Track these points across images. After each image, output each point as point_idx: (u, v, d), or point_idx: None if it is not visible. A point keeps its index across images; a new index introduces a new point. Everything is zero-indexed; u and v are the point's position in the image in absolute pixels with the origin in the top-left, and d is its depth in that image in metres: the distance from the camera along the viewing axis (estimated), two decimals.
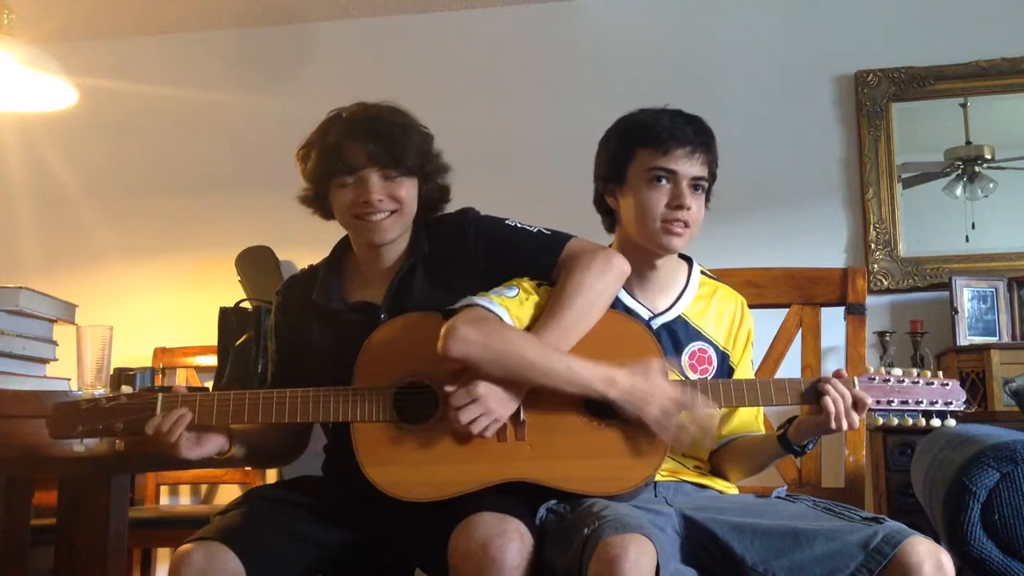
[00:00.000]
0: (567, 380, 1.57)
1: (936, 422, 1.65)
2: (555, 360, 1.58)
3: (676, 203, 1.69)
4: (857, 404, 1.58)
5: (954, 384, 1.65)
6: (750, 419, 1.81)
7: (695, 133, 1.71)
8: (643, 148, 1.71)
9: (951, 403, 1.64)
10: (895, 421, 1.64)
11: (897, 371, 1.65)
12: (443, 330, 1.57)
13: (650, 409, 1.56)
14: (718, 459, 1.79)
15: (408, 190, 1.73)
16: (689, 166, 1.70)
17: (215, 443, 1.64)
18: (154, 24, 3.99)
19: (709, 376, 1.76)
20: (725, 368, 1.80)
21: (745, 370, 1.83)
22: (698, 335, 1.77)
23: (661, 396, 1.57)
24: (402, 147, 1.69)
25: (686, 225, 1.70)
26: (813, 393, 1.60)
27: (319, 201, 1.77)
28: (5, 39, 2.48)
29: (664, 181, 1.70)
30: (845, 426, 1.57)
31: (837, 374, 1.62)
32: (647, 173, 1.70)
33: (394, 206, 1.70)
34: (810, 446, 1.68)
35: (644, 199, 1.70)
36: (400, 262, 1.77)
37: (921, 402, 1.63)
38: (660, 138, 1.69)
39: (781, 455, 1.71)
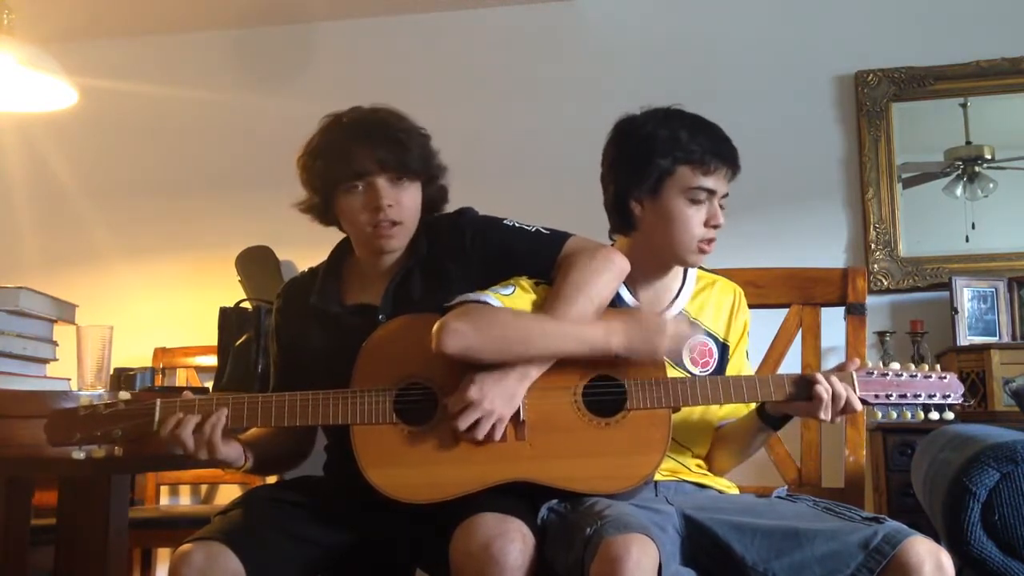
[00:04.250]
0: (564, 341, 1.58)
1: (934, 415, 1.65)
2: (548, 326, 1.59)
3: (714, 223, 1.71)
4: (845, 405, 1.58)
5: (952, 377, 1.66)
6: (740, 406, 1.81)
7: (729, 151, 1.72)
8: (684, 165, 1.69)
9: (949, 396, 1.65)
10: (894, 415, 1.65)
11: (895, 365, 1.66)
12: (435, 328, 1.57)
13: (659, 345, 1.58)
14: (708, 450, 1.80)
15: (414, 195, 1.73)
16: (724, 184, 1.72)
17: (234, 450, 1.64)
18: (154, 24, 3.99)
19: (710, 370, 1.77)
20: (726, 361, 1.80)
21: (739, 360, 1.83)
22: (698, 329, 1.78)
23: (659, 329, 1.58)
24: (408, 151, 1.70)
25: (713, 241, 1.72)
26: (805, 388, 1.60)
27: (323, 207, 1.77)
28: (5, 39, 2.48)
29: (704, 200, 1.70)
30: (824, 418, 1.57)
31: (846, 365, 1.62)
32: (688, 192, 1.69)
33: (401, 214, 1.71)
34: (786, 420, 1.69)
35: (683, 217, 1.70)
36: (398, 264, 1.77)
37: (919, 395, 1.63)
38: (704, 158, 1.69)
39: (762, 430, 1.72)
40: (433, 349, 1.56)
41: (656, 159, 1.70)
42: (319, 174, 1.73)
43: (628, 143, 1.76)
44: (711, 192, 1.70)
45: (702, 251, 1.72)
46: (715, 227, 1.71)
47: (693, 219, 1.70)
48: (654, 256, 1.75)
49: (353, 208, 1.72)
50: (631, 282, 1.76)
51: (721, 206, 1.73)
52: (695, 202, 1.70)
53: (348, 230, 1.78)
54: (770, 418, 1.69)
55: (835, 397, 1.57)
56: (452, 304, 1.62)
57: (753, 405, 1.79)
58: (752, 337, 1.89)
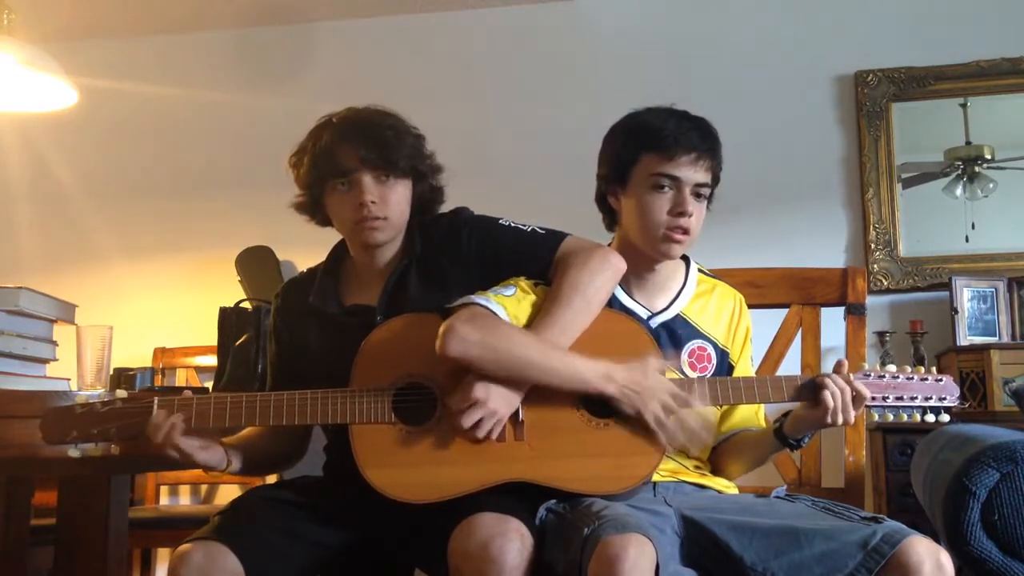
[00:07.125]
0: (565, 377, 1.57)
1: (931, 418, 1.66)
2: (554, 358, 1.58)
3: (678, 210, 1.68)
4: (856, 399, 1.59)
5: (947, 380, 1.67)
6: (750, 415, 1.81)
7: (701, 139, 1.70)
8: (648, 152, 1.69)
9: (945, 398, 1.66)
10: (890, 417, 1.66)
11: (891, 367, 1.67)
12: (441, 329, 1.56)
13: (649, 405, 1.57)
14: (717, 455, 1.80)
15: (401, 192, 1.74)
16: (693, 172, 1.69)
17: (214, 454, 1.64)
18: (154, 24, 3.99)
19: (708, 374, 1.77)
20: (725, 366, 1.80)
21: (744, 367, 1.83)
22: (697, 333, 1.78)
23: (660, 392, 1.58)
24: (394, 149, 1.71)
25: (686, 232, 1.69)
26: (810, 390, 1.60)
27: (314, 206, 1.79)
28: (5, 39, 2.48)
29: (667, 188, 1.69)
30: (841, 421, 1.58)
31: (838, 366, 1.62)
32: (651, 178, 1.69)
33: (386, 211, 1.71)
34: (806, 440, 1.69)
35: (646, 205, 1.69)
36: (394, 264, 1.78)
37: (916, 398, 1.65)
38: (665, 143, 1.67)
39: (778, 449, 1.72)
40: (437, 349, 1.56)
41: (624, 149, 1.72)
42: (307, 173, 1.75)
43: (607, 139, 1.79)
44: (675, 179, 1.68)
45: (669, 240, 1.69)
46: (680, 214, 1.68)
47: (655, 206, 1.68)
48: (635, 250, 1.74)
49: (339, 205, 1.74)
50: (624, 282, 1.75)
51: (702, 195, 1.71)
52: (658, 189, 1.68)
53: (338, 228, 1.80)
54: (788, 440, 1.67)
55: (843, 393, 1.57)
56: (455, 306, 1.62)
57: (761, 408, 1.80)
58: (752, 338, 1.88)
